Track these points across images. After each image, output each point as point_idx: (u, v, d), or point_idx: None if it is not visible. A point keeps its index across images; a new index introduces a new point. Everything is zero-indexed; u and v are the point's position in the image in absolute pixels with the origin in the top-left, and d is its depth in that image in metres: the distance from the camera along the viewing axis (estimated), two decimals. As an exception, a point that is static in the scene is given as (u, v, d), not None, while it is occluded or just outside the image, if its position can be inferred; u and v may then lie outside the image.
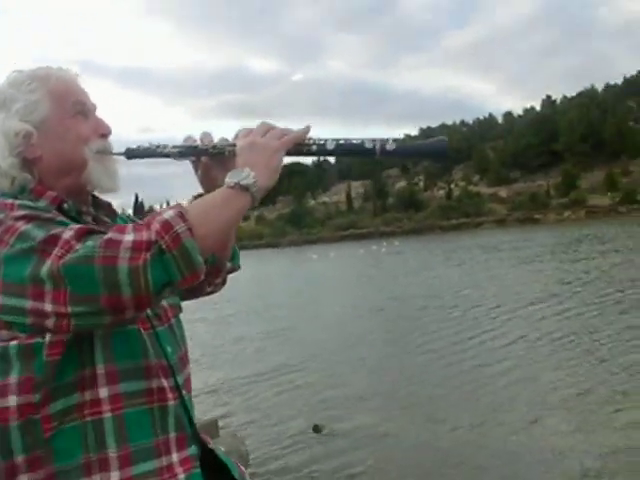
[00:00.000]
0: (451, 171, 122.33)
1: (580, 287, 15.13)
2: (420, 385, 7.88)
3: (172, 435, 1.28)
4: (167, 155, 1.40)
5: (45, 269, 1.08)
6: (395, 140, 1.25)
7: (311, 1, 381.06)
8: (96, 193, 1.41)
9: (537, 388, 7.22)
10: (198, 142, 1.39)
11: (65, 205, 1.30)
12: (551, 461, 5.19)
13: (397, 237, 67.85)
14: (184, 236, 1.10)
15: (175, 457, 1.27)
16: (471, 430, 6.09)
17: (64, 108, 1.33)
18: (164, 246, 1.09)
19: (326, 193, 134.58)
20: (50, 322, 1.11)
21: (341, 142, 1.31)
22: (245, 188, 1.21)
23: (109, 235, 1.10)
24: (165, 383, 1.29)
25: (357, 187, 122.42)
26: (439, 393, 7.42)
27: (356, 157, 1.34)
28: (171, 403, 1.29)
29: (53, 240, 1.10)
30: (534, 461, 5.23)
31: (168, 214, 1.12)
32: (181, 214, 1.12)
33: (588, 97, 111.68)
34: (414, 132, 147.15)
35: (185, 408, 1.34)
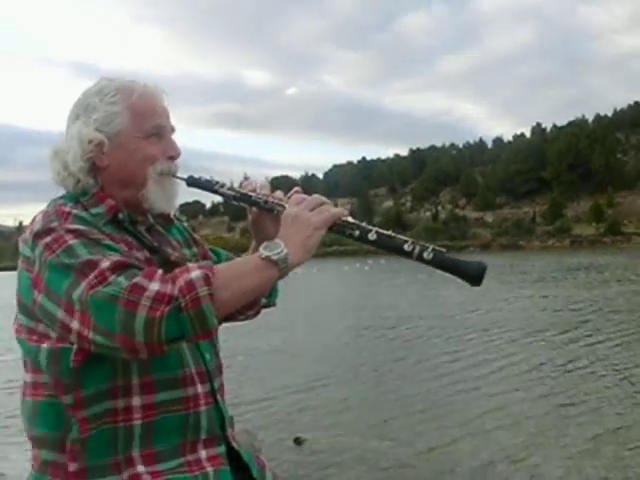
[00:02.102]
0: (438, 194, 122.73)
1: (575, 313, 14.77)
2: (416, 408, 7.30)
3: (203, 436, 1.36)
4: (223, 195, 1.47)
5: (78, 292, 1.17)
6: (434, 249, 1.27)
7: (308, 15, 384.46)
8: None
9: (552, 418, 6.67)
10: (255, 190, 1.44)
11: (120, 215, 1.37)
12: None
13: (381, 256, 67.43)
14: (204, 300, 1.16)
15: (204, 454, 1.35)
16: (474, 457, 5.58)
17: (140, 127, 1.37)
18: (182, 304, 1.15)
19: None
20: (73, 338, 1.21)
21: (384, 236, 1.31)
22: (275, 263, 1.24)
23: (137, 279, 1.16)
24: (201, 389, 1.37)
25: (344, 204, 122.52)
26: (441, 418, 6.85)
27: (392, 253, 1.33)
28: (204, 408, 1.36)
29: (91, 265, 1.19)
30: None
31: (195, 274, 1.18)
32: (207, 277, 1.17)
33: (578, 127, 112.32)
34: (404, 152, 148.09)
35: (219, 411, 1.42)
